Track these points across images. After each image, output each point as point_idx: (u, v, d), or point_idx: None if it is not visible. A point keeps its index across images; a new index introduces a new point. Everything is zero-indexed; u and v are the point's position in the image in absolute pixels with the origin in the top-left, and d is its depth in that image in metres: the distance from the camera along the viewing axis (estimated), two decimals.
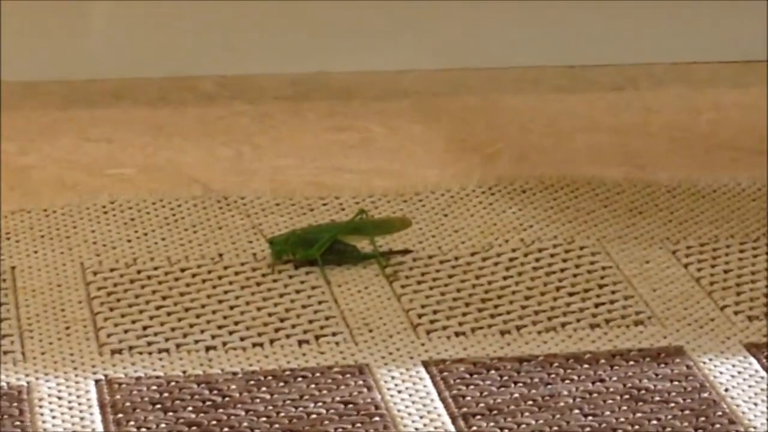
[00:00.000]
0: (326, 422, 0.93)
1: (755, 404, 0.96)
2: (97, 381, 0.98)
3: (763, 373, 1.00)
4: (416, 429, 0.93)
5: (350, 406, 0.95)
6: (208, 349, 1.01)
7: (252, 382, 0.98)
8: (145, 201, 1.26)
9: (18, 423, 0.93)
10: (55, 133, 1.43)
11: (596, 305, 1.08)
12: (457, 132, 1.43)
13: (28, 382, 0.97)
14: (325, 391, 0.96)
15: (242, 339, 1.02)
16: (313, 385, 0.97)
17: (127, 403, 0.95)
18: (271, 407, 0.94)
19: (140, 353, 1.01)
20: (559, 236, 1.20)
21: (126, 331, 1.04)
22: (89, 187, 1.30)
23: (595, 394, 0.96)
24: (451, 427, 0.93)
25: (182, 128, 1.44)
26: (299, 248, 1.13)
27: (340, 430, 0.92)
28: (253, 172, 1.34)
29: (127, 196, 1.27)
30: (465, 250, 1.17)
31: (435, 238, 1.20)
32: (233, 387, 0.97)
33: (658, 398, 0.96)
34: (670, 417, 0.94)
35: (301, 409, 0.95)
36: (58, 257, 1.16)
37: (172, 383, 0.97)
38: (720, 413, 0.94)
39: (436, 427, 0.93)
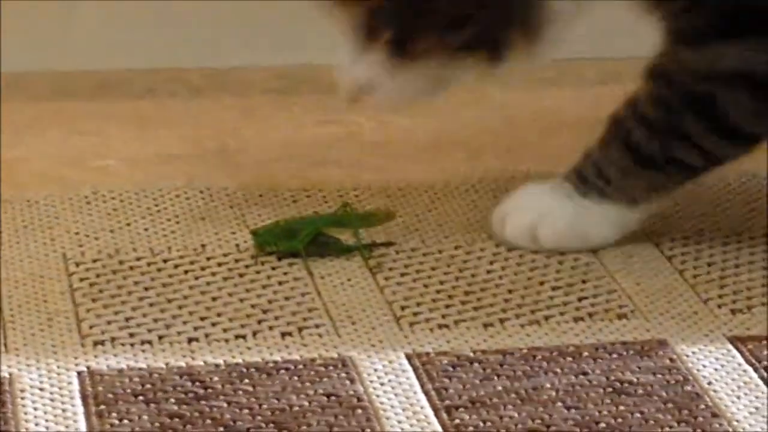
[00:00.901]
0: (309, 414, 0.93)
1: (738, 397, 0.97)
2: (79, 372, 0.97)
3: (746, 367, 1.00)
4: (399, 422, 0.93)
5: (333, 398, 0.95)
6: (190, 340, 1.01)
7: (235, 374, 0.98)
8: (127, 191, 1.26)
9: (0, 414, 0.93)
10: (40, 125, 1.43)
11: (579, 299, 1.09)
12: (443, 126, 1.44)
13: (9, 374, 0.97)
14: (308, 384, 0.97)
15: (225, 331, 1.03)
16: (295, 378, 0.97)
17: (110, 395, 0.95)
18: (253, 399, 0.95)
19: (122, 345, 1.01)
20: None
21: (108, 323, 1.04)
22: (73, 179, 1.31)
23: (578, 387, 0.97)
24: (434, 420, 0.93)
25: (168, 121, 1.45)
26: (282, 240, 1.14)
27: (323, 422, 0.92)
28: (238, 165, 1.35)
29: (109, 186, 1.27)
30: (449, 244, 1.18)
31: (419, 231, 1.21)
32: (216, 379, 0.97)
33: (641, 391, 0.96)
34: (653, 410, 0.94)
35: (284, 401, 0.95)
36: (40, 248, 1.16)
37: (155, 375, 0.97)
38: (703, 406, 0.95)
39: (418, 420, 0.93)
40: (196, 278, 1.10)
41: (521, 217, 1.17)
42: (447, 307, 1.07)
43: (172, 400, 0.94)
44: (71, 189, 1.25)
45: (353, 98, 1.14)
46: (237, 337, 1.02)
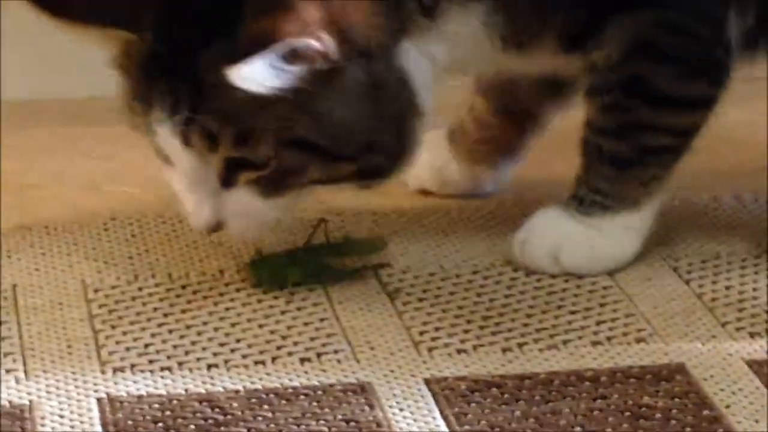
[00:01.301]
0: None
1: (756, 421, 0.96)
2: (99, 399, 0.98)
3: (764, 390, 1.00)
4: None
5: (352, 424, 0.95)
6: (209, 367, 1.01)
7: (254, 400, 0.98)
8: (146, 217, 1.25)
9: None
10: (54, 151, 1.44)
11: (597, 323, 1.09)
12: None
13: (30, 401, 0.97)
14: (327, 409, 0.96)
15: (244, 357, 1.03)
16: (315, 403, 0.97)
17: (129, 422, 0.95)
18: (273, 425, 0.95)
19: (142, 371, 1.01)
20: None
21: (128, 349, 1.04)
22: (90, 205, 1.30)
23: (596, 412, 0.97)
24: None
25: None
26: (280, 271, 1.12)
27: None
28: None
29: (127, 212, 1.26)
30: (466, 269, 1.17)
31: (437, 256, 1.20)
32: (235, 405, 0.97)
33: (659, 415, 0.96)
34: None
35: (303, 427, 0.95)
36: (59, 275, 1.16)
37: (174, 401, 0.97)
38: (722, 431, 0.95)
39: None
40: (215, 304, 1.09)
41: (542, 242, 1.17)
42: (465, 332, 1.07)
43: (192, 427, 0.94)
44: (89, 215, 1.23)
45: (208, 233, 1.13)
46: (256, 363, 1.02)
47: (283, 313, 1.09)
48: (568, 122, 1.25)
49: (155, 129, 1.09)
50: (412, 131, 1.12)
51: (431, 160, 1.31)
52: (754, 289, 1.16)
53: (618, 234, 1.18)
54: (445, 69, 1.14)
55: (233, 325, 1.06)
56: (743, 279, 1.18)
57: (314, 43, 1.03)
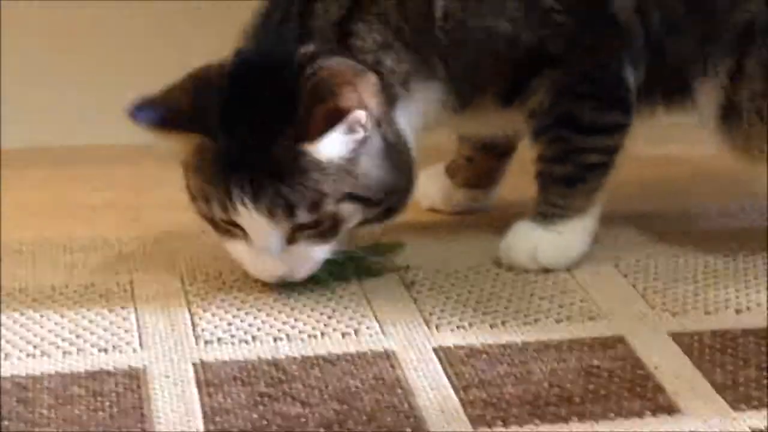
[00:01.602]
0: (362, 393, 0.95)
1: (677, 377, 0.98)
2: (194, 363, 0.99)
3: (683, 355, 1.01)
4: (428, 397, 0.95)
5: (380, 381, 0.97)
6: (275, 339, 1.03)
7: (308, 364, 1.00)
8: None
9: (137, 396, 0.95)
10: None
11: (560, 306, 1.09)
12: None
13: (144, 365, 0.99)
14: (361, 370, 0.99)
15: (301, 332, 1.04)
16: (352, 366, 0.99)
17: (216, 380, 0.97)
18: (322, 382, 0.97)
19: (225, 343, 1.03)
20: None
21: (215, 327, 1.05)
22: (183, 221, 1.19)
23: (559, 371, 0.98)
24: (454, 396, 0.95)
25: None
26: (341, 270, 1.10)
27: (372, 398, 0.95)
28: None
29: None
30: (464, 267, 1.17)
31: (440, 257, 1.19)
32: (294, 367, 0.99)
33: (605, 374, 0.98)
34: (614, 387, 0.96)
35: (344, 383, 0.97)
36: (162, 272, 1.16)
37: (249, 365, 0.99)
38: (651, 384, 0.96)
39: (443, 396, 0.95)
40: (279, 293, 1.09)
41: (522, 247, 1.16)
42: (463, 313, 1.07)
43: (262, 383, 0.96)
44: (190, 224, 1.16)
45: (280, 282, 1.07)
46: (309, 336, 1.03)
47: (329, 299, 1.08)
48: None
49: (237, 210, 1.02)
50: (413, 173, 1.09)
51: (439, 187, 1.27)
52: (674, 280, 1.15)
53: (574, 235, 1.16)
54: (424, 128, 1.11)
55: (292, 309, 1.07)
56: (667, 272, 1.17)
57: (364, 115, 1.01)
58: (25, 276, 1.16)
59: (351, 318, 1.06)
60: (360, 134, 1.01)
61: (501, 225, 1.21)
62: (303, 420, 0.91)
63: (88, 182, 1.39)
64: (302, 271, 1.06)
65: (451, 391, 0.95)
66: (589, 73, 1.13)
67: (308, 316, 1.06)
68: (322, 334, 1.03)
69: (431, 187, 1.26)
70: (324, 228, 1.03)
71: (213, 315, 1.07)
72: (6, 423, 0.92)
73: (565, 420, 0.92)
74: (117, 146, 1.39)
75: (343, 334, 1.03)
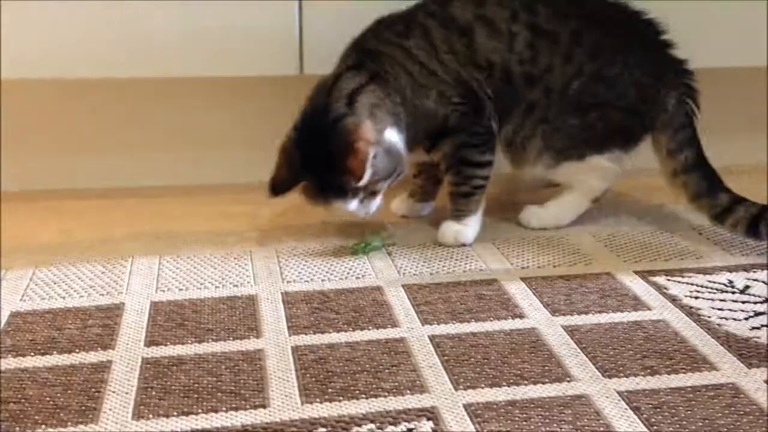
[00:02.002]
0: (367, 308, 1.10)
1: (643, 293, 1.12)
2: (281, 292, 1.13)
3: (642, 282, 1.16)
4: (395, 297, 1.10)
5: (373, 302, 1.11)
6: (322, 279, 1.17)
7: (340, 293, 1.13)
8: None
9: (252, 309, 1.09)
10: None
11: (465, 268, 1.22)
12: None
13: (256, 292, 1.13)
14: (362, 296, 1.13)
15: (337, 276, 1.18)
16: (359, 296, 1.14)
17: (292, 300, 1.10)
18: (344, 302, 1.12)
19: (296, 281, 1.16)
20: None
21: (292, 272, 1.17)
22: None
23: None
24: (410, 306, 1.11)
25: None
26: (362, 248, 1.29)
27: (369, 311, 1.10)
28: None
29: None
30: (422, 244, 1.32)
31: (409, 238, 1.32)
32: (332, 295, 1.12)
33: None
34: (595, 297, 1.11)
35: (355, 302, 1.12)
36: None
37: (308, 293, 1.13)
38: (632, 296, 1.12)
39: (400, 298, 1.10)
40: (328, 259, 1.21)
41: (449, 233, 1.33)
42: (416, 267, 1.23)
43: (315, 302, 1.11)
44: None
45: (357, 217, 1.26)
46: (339, 278, 1.18)
47: (354, 260, 1.25)
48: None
49: (334, 206, 1.25)
50: (403, 159, 1.27)
51: (405, 203, 1.46)
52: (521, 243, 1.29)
53: (474, 224, 1.33)
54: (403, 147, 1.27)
55: (332, 266, 1.22)
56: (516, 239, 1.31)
57: (372, 153, 1.21)
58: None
59: (360, 269, 1.24)
60: (371, 155, 1.22)
61: (437, 221, 1.37)
62: (335, 320, 1.09)
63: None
64: (371, 212, 1.27)
65: (410, 304, 1.12)
66: (472, 134, 1.30)
67: (342, 268, 1.24)
68: (346, 276, 1.21)
69: (401, 204, 1.46)
70: (370, 193, 1.26)
71: (291, 265, 1.24)
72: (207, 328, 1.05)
73: None
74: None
75: (357, 277, 1.21)
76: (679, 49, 1.33)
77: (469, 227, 1.34)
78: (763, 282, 1.19)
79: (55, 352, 1.02)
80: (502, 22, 1.28)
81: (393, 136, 1.25)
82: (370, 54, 1.26)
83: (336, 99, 1.23)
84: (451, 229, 1.35)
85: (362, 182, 1.20)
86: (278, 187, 1.24)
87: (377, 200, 1.26)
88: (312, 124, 1.22)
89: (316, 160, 1.22)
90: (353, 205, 1.25)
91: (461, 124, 1.29)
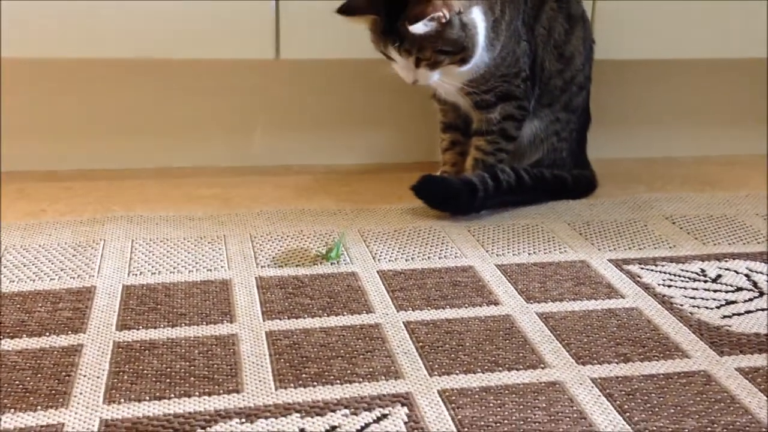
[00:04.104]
0: (342, 293, 1.09)
1: (613, 281, 1.13)
2: (255, 277, 1.12)
3: (614, 269, 1.18)
4: (367, 281, 1.11)
5: (350, 287, 1.10)
6: (297, 265, 1.16)
7: (315, 278, 1.13)
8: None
9: (226, 293, 1.08)
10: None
11: (433, 246, 1.24)
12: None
13: (230, 277, 1.12)
14: (339, 281, 1.13)
15: (307, 265, 1.18)
16: (334, 279, 1.14)
17: (266, 285, 1.10)
18: (318, 287, 1.12)
19: (270, 266, 1.16)
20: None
21: (266, 257, 1.19)
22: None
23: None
24: (379, 279, 1.12)
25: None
26: (328, 255, 1.21)
27: (343, 294, 1.10)
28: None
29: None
30: (395, 228, 1.32)
31: (378, 224, 1.33)
32: (307, 281, 1.12)
33: (570, 279, 1.16)
34: (570, 284, 1.13)
35: (330, 287, 1.12)
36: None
37: (282, 278, 1.12)
38: (604, 284, 1.14)
39: (374, 279, 1.11)
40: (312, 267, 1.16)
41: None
42: (391, 253, 1.23)
43: (290, 287, 1.10)
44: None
45: (412, 84, 1.31)
46: (312, 265, 1.16)
47: (329, 246, 1.23)
48: None
49: (391, 54, 1.30)
50: (476, 44, 1.31)
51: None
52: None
53: None
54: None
55: (311, 260, 1.20)
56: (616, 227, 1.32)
57: (440, 14, 1.26)
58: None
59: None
60: (442, 20, 1.27)
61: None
62: (310, 305, 1.09)
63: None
64: (423, 81, 1.31)
65: (385, 290, 1.13)
66: (519, 106, 1.38)
67: (317, 253, 1.23)
68: (321, 262, 1.20)
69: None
70: (430, 63, 1.30)
71: (266, 250, 1.23)
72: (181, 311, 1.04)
73: None
74: None
75: (332, 262, 1.22)
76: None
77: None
78: (735, 271, 1.20)
79: (24, 336, 1.02)
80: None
81: (478, 19, 1.30)
82: None
83: None
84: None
85: (415, 30, 1.24)
86: (350, 8, 1.29)
87: (431, 74, 1.30)
88: None
89: (398, 3, 1.28)
90: (403, 61, 1.29)
91: (518, 92, 1.36)
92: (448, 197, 1.33)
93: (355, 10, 1.28)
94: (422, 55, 1.29)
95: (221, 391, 0.92)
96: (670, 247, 1.27)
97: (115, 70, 1.49)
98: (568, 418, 0.89)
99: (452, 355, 0.99)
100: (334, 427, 0.86)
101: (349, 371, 0.96)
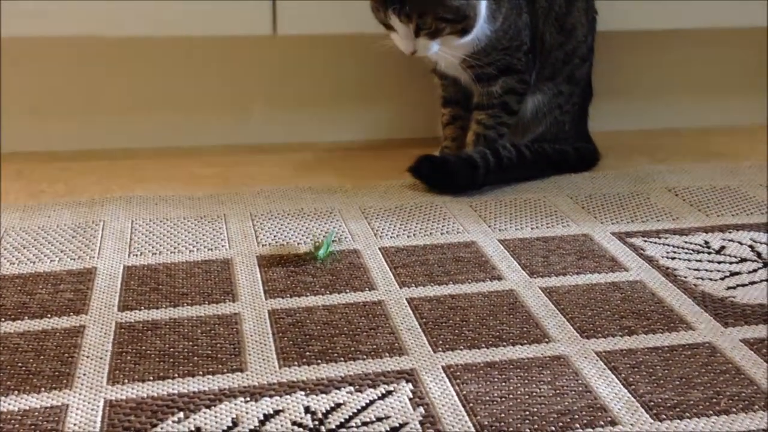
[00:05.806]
0: (345, 277, 1.09)
1: (614, 253, 1.14)
2: (257, 256, 1.13)
3: (616, 241, 1.18)
4: (371, 261, 1.11)
5: (352, 264, 1.11)
6: (298, 243, 1.17)
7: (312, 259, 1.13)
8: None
9: (228, 272, 1.09)
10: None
11: (427, 223, 1.24)
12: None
13: (231, 256, 1.12)
14: (340, 262, 1.14)
15: (304, 250, 1.18)
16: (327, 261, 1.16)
17: (267, 263, 1.10)
18: (321, 266, 1.12)
19: (271, 244, 1.16)
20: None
21: (268, 235, 1.18)
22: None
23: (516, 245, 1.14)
24: (384, 261, 1.11)
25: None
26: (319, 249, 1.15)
27: (346, 273, 1.10)
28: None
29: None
30: (386, 205, 1.32)
31: (378, 200, 1.33)
32: (309, 258, 1.13)
33: (571, 253, 1.16)
34: (573, 258, 1.14)
35: (331, 269, 1.12)
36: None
37: (284, 256, 1.12)
38: (608, 257, 1.14)
39: (380, 264, 1.11)
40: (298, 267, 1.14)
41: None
42: (393, 230, 1.23)
43: (291, 266, 1.10)
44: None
45: (410, 55, 1.30)
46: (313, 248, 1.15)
47: (330, 224, 1.24)
48: None
49: (391, 21, 1.28)
50: (478, 14, 1.29)
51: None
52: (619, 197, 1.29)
53: None
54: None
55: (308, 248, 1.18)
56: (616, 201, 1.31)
57: None
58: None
59: (337, 232, 1.23)
60: None
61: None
62: (312, 283, 1.09)
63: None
64: (422, 52, 1.30)
65: (387, 267, 1.13)
66: (520, 80, 1.37)
67: (318, 232, 1.23)
68: (310, 260, 1.15)
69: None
70: (430, 32, 1.28)
71: (266, 228, 1.23)
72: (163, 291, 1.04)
73: None
74: None
75: (333, 240, 1.20)
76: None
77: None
78: (738, 242, 1.20)
79: (26, 318, 1.02)
80: None
81: None
82: None
83: None
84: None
85: None
86: None
87: (431, 44, 1.28)
88: None
89: None
90: (404, 29, 1.28)
91: (519, 65, 1.34)
92: (446, 178, 1.34)
93: None
94: (422, 22, 1.27)
95: (225, 370, 0.93)
96: (673, 219, 1.28)
97: (112, 49, 1.49)
98: (573, 392, 0.90)
99: (456, 331, 1.00)
100: (338, 405, 0.87)
101: (352, 348, 0.96)
